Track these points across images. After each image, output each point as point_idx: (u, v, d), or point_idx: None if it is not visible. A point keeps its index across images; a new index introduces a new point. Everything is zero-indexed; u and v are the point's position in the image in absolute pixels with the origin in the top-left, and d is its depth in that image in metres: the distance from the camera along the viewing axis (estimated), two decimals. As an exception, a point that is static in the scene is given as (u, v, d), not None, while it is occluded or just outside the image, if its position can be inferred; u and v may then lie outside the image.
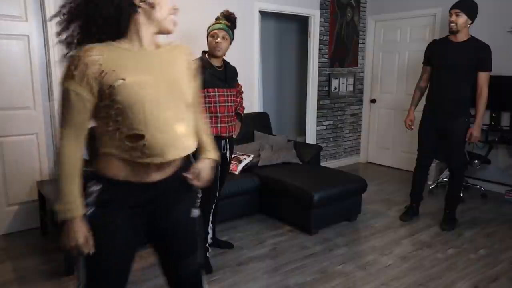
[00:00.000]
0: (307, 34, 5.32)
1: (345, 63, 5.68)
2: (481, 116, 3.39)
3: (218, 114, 2.77)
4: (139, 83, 1.27)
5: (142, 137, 1.28)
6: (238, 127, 3.06)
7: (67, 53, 1.29)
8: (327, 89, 5.55)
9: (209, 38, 2.79)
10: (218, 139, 2.86)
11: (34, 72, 3.37)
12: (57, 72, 3.41)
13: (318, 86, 5.44)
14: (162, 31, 1.39)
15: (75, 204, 1.30)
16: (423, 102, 3.69)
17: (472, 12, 3.30)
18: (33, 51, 3.35)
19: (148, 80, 1.30)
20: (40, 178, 3.50)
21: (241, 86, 3.18)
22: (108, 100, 1.25)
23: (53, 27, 3.33)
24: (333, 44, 5.48)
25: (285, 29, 6.38)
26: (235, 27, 2.88)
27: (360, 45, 5.82)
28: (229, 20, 2.82)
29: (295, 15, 5.37)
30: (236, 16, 2.87)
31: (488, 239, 3.38)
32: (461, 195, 4.33)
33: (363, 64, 5.92)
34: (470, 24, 3.34)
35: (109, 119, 1.28)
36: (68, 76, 1.24)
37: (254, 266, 2.92)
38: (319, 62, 5.37)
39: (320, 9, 5.24)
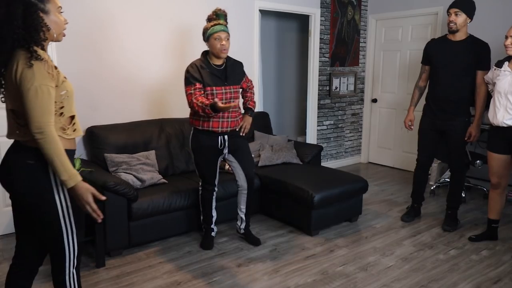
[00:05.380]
0: (308, 33, 5.30)
1: (346, 62, 5.65)
2: (480, 115, 3.38)
3: None
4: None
5: (73, 117, 1.76)
6: (247, 121, 3.08)
7: (31, 56, 1.57)
8: (327, 88, 5.52)
9: (212, 41, 2.81)
10: (210, 133, 2.90)
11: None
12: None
13: (319, 85, 5.41)
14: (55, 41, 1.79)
15: (74, 171, 1.63)
16: (422, 101, 3.67)
17: (471, 10, 3.29)
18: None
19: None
20: (38, 178, 3.47)
21: (251, 81, 3.19)
22: (59, 92, 1.67)
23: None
24: (333, 43, 5.45)
25: (285, 28, 6.35)
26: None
27: (361, 44, 5.79)
28: (219, 17, 2.87)
29: (295, 14, 5.35)
30: (224, 11, 2.90)
31: (490, 240, 3.35)
32: (463, 195, 4.31)
33: (364, 63, 5.89)
34: (468, 23, 3.33)
35: (56, 105, 1.67)
36: (45, 75, 1.58)
37: (254, 267, 2.90)
38: (319, 61, 5.34)
39: (321, 7, 5.21)
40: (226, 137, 2.95)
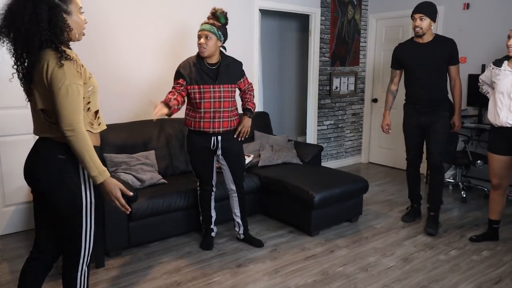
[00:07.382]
0: (308, 32, 5.28)
1: (346, 62, 5.64)
2: (459, 106, 3.51)
3: (201, 110, 2.85)
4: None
5: (97, 111, 1.82)
6: (246, 124, 3.04)
7: (61, 56, 1.61)
8: (328, 88, 5.51)
9: (197, 40, 2.85)
10: (202, 134, 2.90)
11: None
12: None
13: (319, 85, 5.40)
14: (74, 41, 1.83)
15: (104, 168, 1.69)
16: (401, 102, 3.73)
17: (434, 14, 3.36)
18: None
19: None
20: (38, 178, 3.47)
21: (251, 84, 3.15)
22: (87, 88, 1.73)
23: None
24: (334, 42, 5.44)
25: (286, 27, 6.34)
26: (225, 23, 2.87)
27: (361, 44, 5.77)
28: (215, 17, 2.84)
29: (295, 13, 5.34)
30: (223, 11, 2.87)
31: (491, 240, 3.34)
32: (464, 195, 4.30)
33: (365, 63, 5.87)
34: (432, 26, 3.39)
35: (84, 101, 1.72)
36: (74, 74, 1.63)
37: (254, 268, 2.89)
38: (320, 61, 5.33)
39: (321, 7, 5.20)
40: (219, 138, 2.94)
